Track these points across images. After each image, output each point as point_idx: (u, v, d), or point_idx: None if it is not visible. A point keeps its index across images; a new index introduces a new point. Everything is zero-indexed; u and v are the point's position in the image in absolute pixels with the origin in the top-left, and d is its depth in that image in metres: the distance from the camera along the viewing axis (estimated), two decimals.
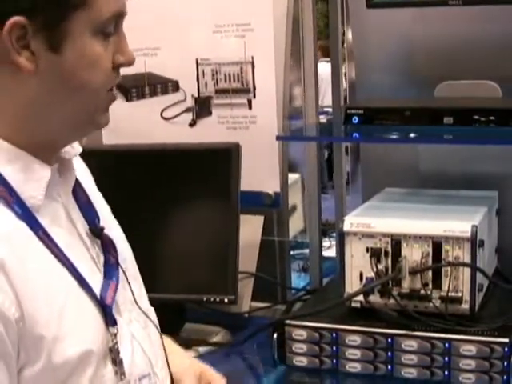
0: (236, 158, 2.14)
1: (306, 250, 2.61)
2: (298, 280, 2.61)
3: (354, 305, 1.98)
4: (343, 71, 2.54)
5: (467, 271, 1.89)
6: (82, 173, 1.37)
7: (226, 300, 2.11)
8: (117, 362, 1.21)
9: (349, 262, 1.98)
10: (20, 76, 1.13)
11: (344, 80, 2.60)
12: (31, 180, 1.17)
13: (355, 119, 2.12)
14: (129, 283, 1.34)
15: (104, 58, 1.18)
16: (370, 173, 2.54)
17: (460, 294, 1.90)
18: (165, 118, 2.49)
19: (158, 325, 1.41)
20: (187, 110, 2.46)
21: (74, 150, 1.29)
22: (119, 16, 1.19)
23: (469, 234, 1.88)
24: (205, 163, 2.18)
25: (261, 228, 2.39)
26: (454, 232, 1.89)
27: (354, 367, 1.91)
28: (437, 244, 1.91)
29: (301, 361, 1.95)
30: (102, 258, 1.29)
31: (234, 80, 2.39)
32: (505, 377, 1.79)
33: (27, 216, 1.15)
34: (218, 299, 2.11)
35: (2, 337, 1.06)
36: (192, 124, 2.46)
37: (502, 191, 2.27)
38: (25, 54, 1.11)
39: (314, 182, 2.37)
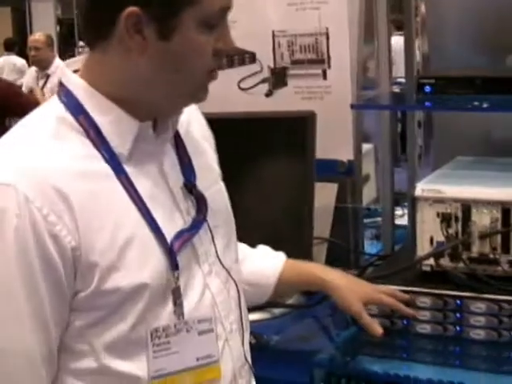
0: (311, 125, 2.22)
1: (379, 219, 2.68)
2: (371, 247, 2.67)
3: (424, 268, 2.04)
4: (416, 43, 2.59)
5: None
6: (197, 133, 1.54)
7: None
8: (177, 303, 1.34)
9: (420, 227, 2.04)
10: (130, 54, 1.30)
11: (417, 51, 2.64)
12: (120, 131, 1.33)
13: (427, 88, 2.18)
14: (213, 239, 1.45)
15: (206, 46, 1.32)
16: (443, 142, 2.60)
17: None
18: (242, 89, 2.57)
19: (239, 284, 1.52)
20: (263, 81, 2.55)
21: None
22: (225, 10, 1.33)
23: None
24: (282, 131, 2.27)
25: (334, 195, 2.46)
26: None
27: (425, 328, 1.97)
28: (505, 209, 1.95)
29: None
30: (193, 213, 1.42)
31: (309, 51, 2.46)
32: None
33: (113, 161, 1.32)
34: None
35: (57, 263, 1.23)
36: (268, 94, 2.55)
37: None
38: (137, 38, 1.28)
39: (387, 150, 2.44)
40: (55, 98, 1.37)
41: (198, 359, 1.38)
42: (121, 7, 1.27)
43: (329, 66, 2.45)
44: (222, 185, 1.57)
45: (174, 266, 1.34)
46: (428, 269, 2.04)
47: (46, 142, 1.30)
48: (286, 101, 2.51)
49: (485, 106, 2.16)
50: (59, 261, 1.24)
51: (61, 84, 1.37)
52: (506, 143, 2.43)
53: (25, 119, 1.36)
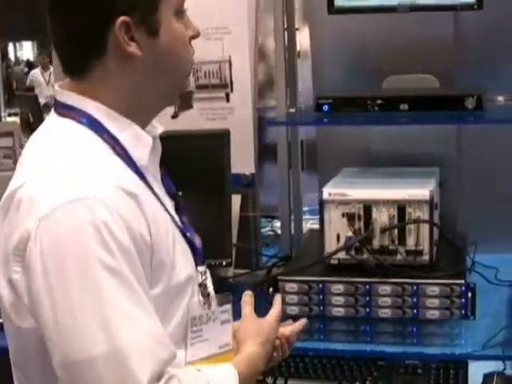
0: (227, 142, 2.51)
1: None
2: (266, 251, 2.97)
3: (332, 262, 2.37)
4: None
5: (426, 228, 2.31)
6: None
7: (224, 263, 2.48)
8: (205, 295, 1.48)
9: (328, 226, 2.37)
10: (129, 63, 1.40)
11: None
12: (140, 145, 1.43)
13: (325, 107, 2.53)
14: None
15: (185, 34, 1.45)
16: (326, 156, 2.96)
17: (421, 248, 2.32)
18: None
19: None
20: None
21: (156, 128, 1.55)
22: None
23: (428, 197, 2.30)
24: (200, 147, 2.54)
25: (239, 205, 2.75)
26: (415, 196, 2.31)
27: (339, 311, 2.30)
28: (401, 207, 2.32)
29: (293, 310, 2.32)
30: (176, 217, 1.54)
31: (213, 77, 2.75)
32: (462, 311, 2.21)
33: (139, 173, 1.41)
34: (217, 263, 2.47)
35: (145, 258, 1.32)
36: (174, 116, 2.80)
37: (442, 167, 2.71)
38: (132, 44, 1.38)
39: (285, 163, 2.76)
40: (68, 121, 1.40)
41: (220, 347, 1.50)
42: (109, 21, 1.35)
43: (231, 90, 2.76)
44: None
45: (200, 261, 1.49)
46: (336, 262, 2.37)
47: (98, 158, 1.36)
48: (192, 121, 2.78)
49: (372, 120, 2.53)
50: (147, 257, 1.33)
51: (69, 107, 1.41)
52: (384, 155, 2.81)
53: (52, 146, 1.39)
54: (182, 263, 1.43)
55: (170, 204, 1.52)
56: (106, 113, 1.41)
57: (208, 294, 1.50)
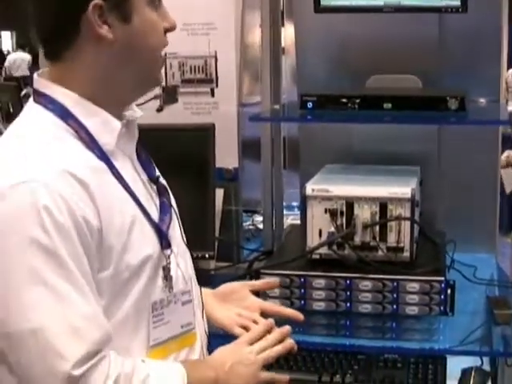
0: (212, 136, 2.53)
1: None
2: (247, 245, 3.00)
3: (314, 257, 2.40)
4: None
5: (407, 226, 2.34)
6: None
7: (206, 255, 2.51)
8: (167, 278, 1.53)
9: (310, 222, 2.40)
10: (100, 47, 1.46)
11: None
12: (107, 131, 1.49)
13: (309, 104, 2.55)
14: (178, 223, 1.66)
15: (159, 23, 1.51)
16: (308, 153, 2.99)
17: (402, 245, 2.35)
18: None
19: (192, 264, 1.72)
20: (155, 97, 2.82)
21: (135, 113, 1.61)
22: None
23: (409, 195, 2.34)
24: (185, 141, 2.56)
25: (221, 199, 2.78)
26: (397, 194, 2.35)
27: (320, 306, 2.33)
28: (383, 204, 2.36)
29: (274, 303, 2.35)
30: (158, 201, 1.60)
31: (199, 71, 2.78)
32: (441, 307, 2.25)
33: (104, 158, 1.48)
34: (200, 255, 2.49)
35: (88, 241, 1.38)
36: (159, 110, 2.83)
37: (423, 166, 2.75)
38: (104, 27, 1.45)
39: (268, 158, 2.78)
40: (37, 107, 1.48)
41: (182, 327, 1.58)
42: (84, 5, 1.42)
43: (216, 85, 2.78)
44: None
45: (165, 244, 1.53)
46: (317, 257, 2.40)
47: (53, 143, 1.43)
48: (176, 115, 2.80)
49: (355, 118, 2.56)
50: (91, 241, 1.38)
51: (41, 94, 1.49)
52: (366, 153, 2.84)
53: (16, 130, 1.48)
54: (139, 246, 1.48)
55: (143, 188, 1.57)
56: (74, 99, 1.47)
57: (171, 278, 1.54)
